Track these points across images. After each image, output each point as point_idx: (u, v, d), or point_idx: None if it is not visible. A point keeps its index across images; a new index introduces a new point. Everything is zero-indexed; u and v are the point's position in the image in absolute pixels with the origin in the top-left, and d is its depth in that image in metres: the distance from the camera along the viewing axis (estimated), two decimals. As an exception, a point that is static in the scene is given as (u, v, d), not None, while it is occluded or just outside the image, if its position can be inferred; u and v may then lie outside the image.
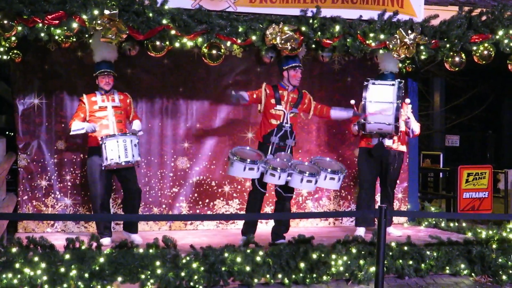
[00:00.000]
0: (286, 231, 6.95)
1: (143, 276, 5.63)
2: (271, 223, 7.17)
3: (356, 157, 8.40)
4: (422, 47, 6.96)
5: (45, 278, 5.43)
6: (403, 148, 7.67)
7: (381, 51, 7.07)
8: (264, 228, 7.74)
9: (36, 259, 5.48)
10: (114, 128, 6.91)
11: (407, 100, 7.52)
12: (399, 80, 7.21)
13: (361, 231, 7.45)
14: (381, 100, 7.07)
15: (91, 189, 7.02)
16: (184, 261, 5.75)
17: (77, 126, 6.85)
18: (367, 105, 7.08)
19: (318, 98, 8.45)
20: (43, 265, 5.45)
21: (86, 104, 6.94)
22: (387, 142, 7.37)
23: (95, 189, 6.94)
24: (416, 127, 7.63)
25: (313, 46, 6.86)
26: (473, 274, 6.52)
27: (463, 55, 7.15)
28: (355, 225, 7.69)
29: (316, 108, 7.18)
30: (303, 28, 6.64)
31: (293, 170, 6.50)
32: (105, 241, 6.77)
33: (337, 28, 6.73)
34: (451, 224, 8.16)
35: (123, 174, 6.95)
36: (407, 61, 8.14)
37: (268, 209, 8.16)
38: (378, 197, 8.10)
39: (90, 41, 6.70)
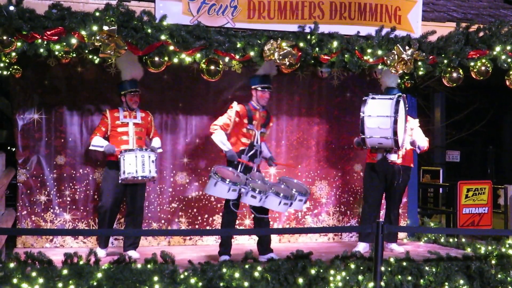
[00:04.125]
0: (268, 244, 6.97)
1: (140, 291, 5.62)
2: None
3: (355, 172, 8.49)
4: (420, 63, 6.98)
5: (42, 293, 5.41)
6: (409, 163, 7.66)
7: (379, 67, 7.09)
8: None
9: (34, 274, 5.46)
10: (133, 143, 7.00)
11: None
12: (398, 94, 7.23)
13: (362, 247, 7.41)
14: (378, 114, 7.08)
15: (102, 200, 7.05)
16: (182, 276, 5.74)
17: (97, 143, 7.02)
18: (365, 119, 7.09)
19: (317, 113, 8.54)
20: (41, 280, 5.43)
21: (108, 119, 7.05)
22: (392, 157, 7.38)
23: (106, 201, 6.99)
24: (422, 142, 7.62)
25: (312, 61, 6.88)
26: (472, 289, 6.50)
27: (460, 71, 7.17)
28: (359, 240, 7.65)
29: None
30: (301, 44, 6.67)
31: (270, 191, 6.52)
32: (100, 252, 6.79)
33: (335, 44, 6.76)
34: (451, 240, 8.14)
35: (134, 190, 7.01)
36: (406, 77, 8.17)
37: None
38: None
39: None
